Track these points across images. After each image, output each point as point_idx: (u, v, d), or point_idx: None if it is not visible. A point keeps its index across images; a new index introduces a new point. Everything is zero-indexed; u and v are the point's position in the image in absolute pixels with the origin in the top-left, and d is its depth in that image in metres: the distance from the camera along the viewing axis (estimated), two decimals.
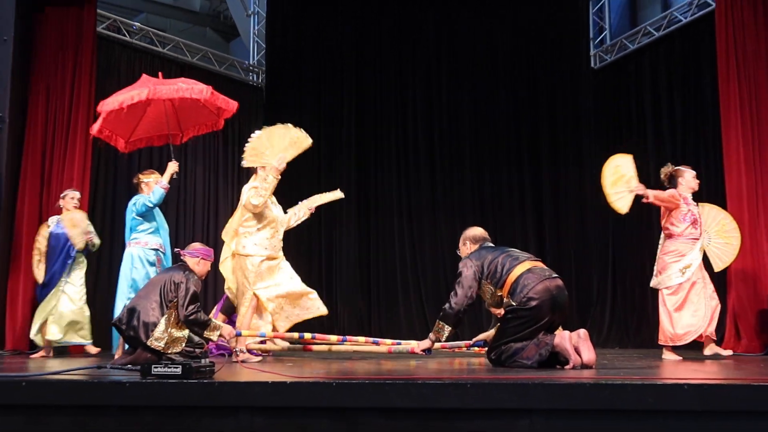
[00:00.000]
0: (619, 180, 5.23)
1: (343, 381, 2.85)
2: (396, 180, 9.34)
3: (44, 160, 6.95)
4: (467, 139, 9.37)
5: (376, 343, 5.42)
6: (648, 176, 8.17)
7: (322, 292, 9.38)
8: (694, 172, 5.44)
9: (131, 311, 4.12)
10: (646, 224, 8.20)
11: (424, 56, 9.51)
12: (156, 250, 5.42)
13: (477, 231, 4.56)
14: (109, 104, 5.30)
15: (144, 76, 5.78)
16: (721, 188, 6.39)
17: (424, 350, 4.42)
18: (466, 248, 4.51)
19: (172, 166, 5.44)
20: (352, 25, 9.61)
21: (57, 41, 7.12)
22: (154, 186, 5.45)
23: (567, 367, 3.83)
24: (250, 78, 9.78)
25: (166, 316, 4.10)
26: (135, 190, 5.69)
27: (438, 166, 9.39)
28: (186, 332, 4.16)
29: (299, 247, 9.53)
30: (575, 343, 3.87)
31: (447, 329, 4.24)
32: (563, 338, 3.89)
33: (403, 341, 5.56)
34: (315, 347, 5.50)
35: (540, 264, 4.26)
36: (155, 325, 4.06)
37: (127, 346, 4.34)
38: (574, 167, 8.99)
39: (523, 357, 3.95)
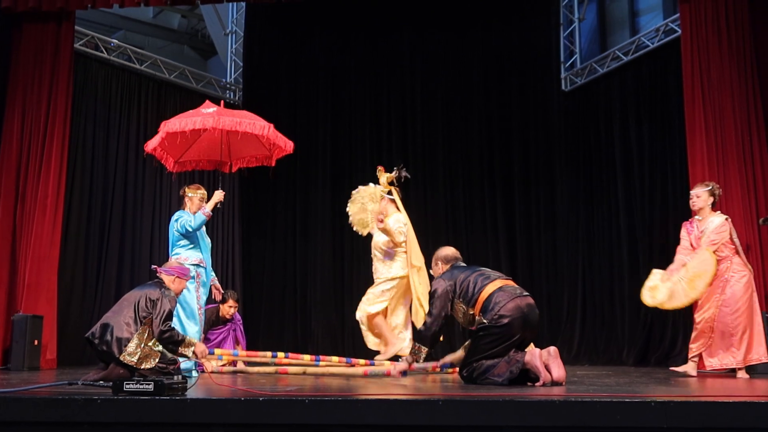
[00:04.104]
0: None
1: (316, 398, 2.87)
2: None
3: (19, 175, 6.91)
4: (440, 159, 9.49)
5: (350, 363, 5.42)
6: (616, 195, 8.40)
7: (296, 306, 9.47)
8: (692, 192, 5.48)
9: (104, 326, 4.11)
10: (615, 243, 8.39)
11: (398, 77, 9.64)
12: (196, 265, 5.34)
13: (448, 251, 4.61)
14: (172, 125, 5.33)
15: (207, 102, 5.81)
16: (687, 209, 6.54)
17: (400, 372, 4.44)
18: (438, 268, 4.56)
19: (219, 195, 5.43)
20: (328, 45, 9.73)
21: (34, 57, 7.11)
22: (197, 201, 5.43)
23: (537, 384, 3.87)
24: (227, 96, 9.81)
25: (139, 331, 4.09)
26: (179, 202, 5.63)
27: (411, 185, 9.46)
28: (159, 348, 4.16)
29: (274, 261, 9.56)
30: (545, 360, 3.92)
31: (424, 350, 4.28)
32: (534, 356, 3.94)
33: (376, 361, 5.57)
34: (289, 369, 5.47)
35: (511, 282, 4.32)
36: (128, 340, 4.05)
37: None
38: (545, 186, 9.14)
39: (494, 374, 3.99)
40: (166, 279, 4.45)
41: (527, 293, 4.25)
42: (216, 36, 10.45)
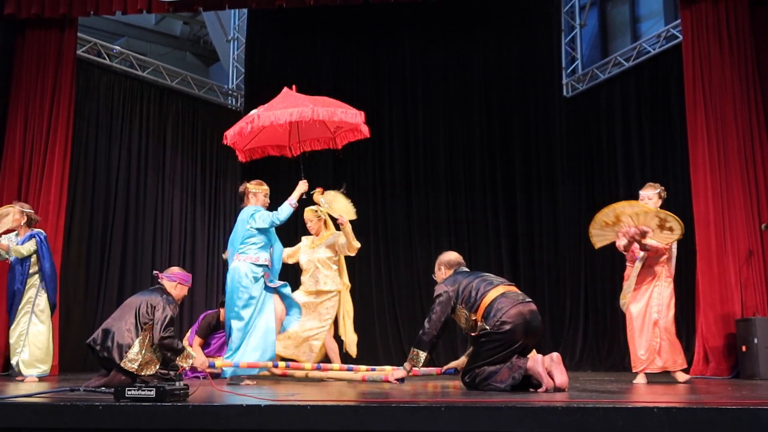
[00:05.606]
0: (613, 226, 5.02)
1: (318, 404, 2.86)
2: (372, 204, 9.42)
3: (21, 180, 6.93)
4: (442, 165, 9.50)
5: (351, 370, 5.42)
6: (618, 201, 8.37)
7: None
8: (642, 193, 5.26)
9: (106, 332, 4.11)
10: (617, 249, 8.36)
11: (399, 84, 9.66)
12: (264, 266, 5.02)
13: (452, 256, 4.60)
14: (267, 118, 5.16)
15: (287, 89, 5.66)
16: (689, 214, 6.54)
17: (397, 379, 4.43)
18: (441, 273, 4.55)
19: (302, 186, 5.21)
20: (330, 52, 9.76)
21: (37, 64, 7.15)
22: (262, 197, 5.17)
23: (540, 390, 3.86)
24: (229, 102, 9.83)
25: (140, 338, 4.09)
26: (240, 198, 5.31)
27: (413, 191, 9.48)
28: (160, 354, 4.15)
29: None
30: (548, 366, 3.91)
31: (422, 356, 4.26)
32: (536, 362, 3.93)
33: (377, 367, 5.57)
34: (290, 372, 5.48)
35: (514, 288, 4.31)
36: (129, 346, 4.05)
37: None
38: (546, 192, 9.15)
39: (497, 380, 3.98)
40: (168, 285, 4.44)
41: (530, 299, 4.24)
42: (218, 42, 10.47)
